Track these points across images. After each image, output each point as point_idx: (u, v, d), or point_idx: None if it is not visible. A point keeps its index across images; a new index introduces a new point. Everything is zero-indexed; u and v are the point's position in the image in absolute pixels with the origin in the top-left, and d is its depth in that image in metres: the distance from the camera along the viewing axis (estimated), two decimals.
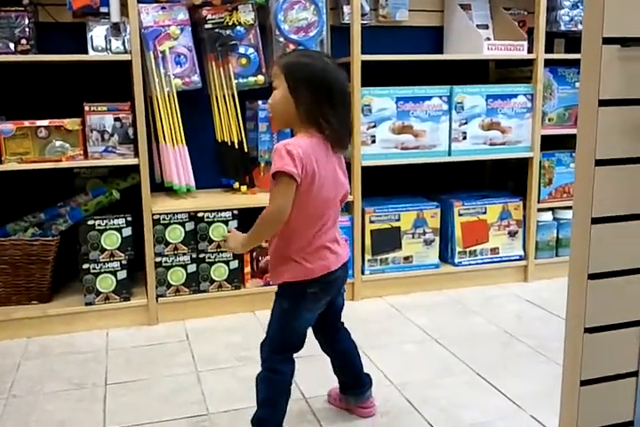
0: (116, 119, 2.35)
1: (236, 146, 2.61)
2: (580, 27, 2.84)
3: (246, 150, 2.62)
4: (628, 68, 0.80)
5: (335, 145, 1.54)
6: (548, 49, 2.80)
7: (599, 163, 0.82)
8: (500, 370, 2.04)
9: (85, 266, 2.39)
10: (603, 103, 0.80)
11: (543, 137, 2.82)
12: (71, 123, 2.30)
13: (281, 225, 1.51)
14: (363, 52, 2.53)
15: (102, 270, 2.40)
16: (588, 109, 0.82)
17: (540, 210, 2.90)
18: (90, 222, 2.38)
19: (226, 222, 2.51)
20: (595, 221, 0.85)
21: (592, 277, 0.88)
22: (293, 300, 1.56)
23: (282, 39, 2.59)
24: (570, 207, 2.88)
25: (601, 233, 0.86)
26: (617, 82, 0.80)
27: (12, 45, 2.28)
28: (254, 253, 2.57)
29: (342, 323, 1.78)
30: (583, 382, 0.93)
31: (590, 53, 0.80)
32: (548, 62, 2.76)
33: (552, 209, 2.96)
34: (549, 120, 2.86)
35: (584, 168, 0.84)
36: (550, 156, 2.90)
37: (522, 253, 2.90)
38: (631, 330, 0.92)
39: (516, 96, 2.74)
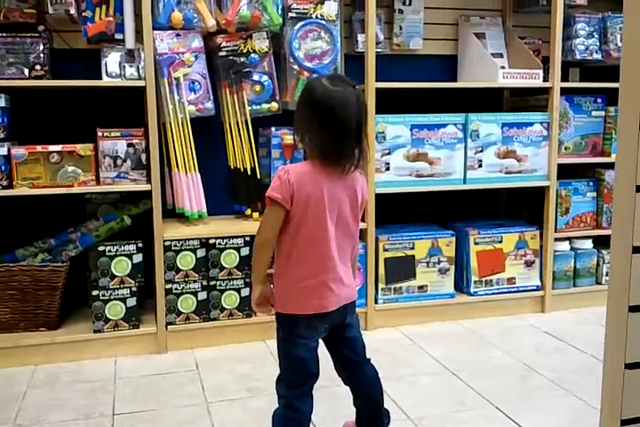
0: (129, 145, 2.34)
1: (249, 172, 2.59)
2: (595, 56, 2.85)
3: (259, 177, 2.61)
4: None
5: (331, 171, 1.48)
6: (563, 78, 2.79)
7: None
8: (518, 404, 1.98)
9: (95, 293, 2.36)
10: None
11: (560, 166, 2.79)
12: (83, 148, 2.29)
13: (269, 251, 1.50)
14: (377, 80, 2.53)
15: (112, 297, 2.37)
16: (628, 134, 0.78)
17: (556, 239, 2.86)
18: (100, 248, 2.36)
19: (237, 249, 2.47)
20: (636, 250, 0.81)
21: (633, 309, 0.83)
22: (287, 327, 1.54)
23: (296, 67, 2.59)
24: (587, 237, 2.89)
25: None
26: None
27: (26, 71, 2.30)
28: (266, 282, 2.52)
29: (368, 360, 1.70)
30: (624, 422, 0.87)
31: (630, 74, 0.77)
32: (563, 91, 2.75)
33: (569, 239, 2.92)
34: (566, 149, 2.84)
35: (624, 194, 0.81)
36: (567, 185, 2.87)
37: (539, 283, 2.85)
38: None
39: (531, 124, 2.73)
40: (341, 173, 1.48)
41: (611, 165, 2.88)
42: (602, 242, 2.93)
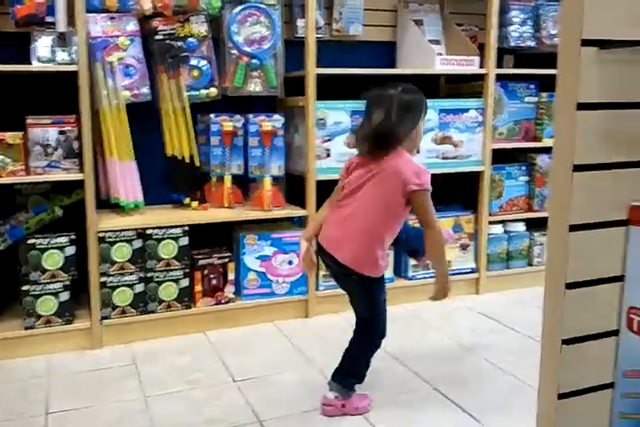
0: (61, 132, 2.26)
1: (187, 160, 2.53)
2: (528, 43, 2.90)
3: (198, 165, 2.55)
4: (607, 71, 0.79)
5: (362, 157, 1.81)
6: (498, 64, 2.85)
7: (577, 168, 0.80)
8: (457, 384, 2.03)
9: (25, 288, 2.26)
10: (581, 107, 0.78)
11: (494, 151, 2.85)
12: (12, 136, 2.20)
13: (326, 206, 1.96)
14: (317, 66, 2.51)
15: (43, 292, 2.28)
16: (566, 113, 0.79)
17: (490, 223, 2.93)
18: (30, 241, 2.26)
19: (176, 239, 2.42)
20: (572, 228, 0.83)
21: (570, 286, 0.85)
22: None
23: (235, 51, 2.54)
24: (519, 220, 2.96)
25: (579, 240, 0.84)
26: (596, 85, 0.79)
27: None
28: (205, 271, 2.49)
29: (358, 325, 1.89)
30: (560, 396, 0.89)
31: (568, 55, 0.78)
32: (498, 77, 2.80)
33: (503, 222, 2.99)
34: (500, 134, 2.90)
35: (561, 174, 0.81)
36: (500, 169, 2.94)
37: (474, 265, 2.92)
38: (607, 340, 0.90)
39: (467, 110, 2.77)
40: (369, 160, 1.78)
41: (542, 150, 2.96)
42: (533, 224, 3.02)
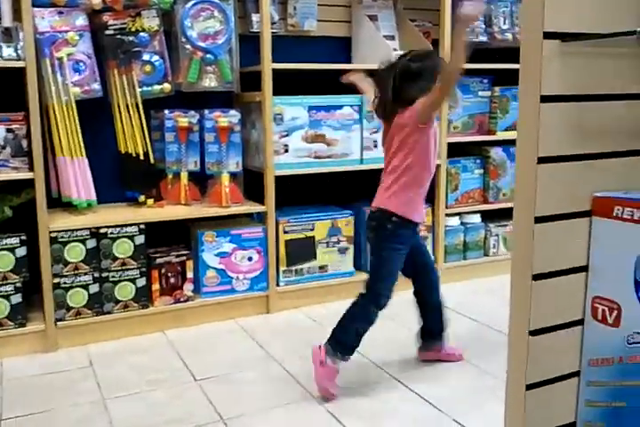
0: (9, 130, 2.20)
1: (142, 157, 2.48)
2: (480, 38, 2.94)
3: (152, 162, 2.50)
4: (570, 63, 0.80)
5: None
6: None
7: (542, 160, 0.81)
8: (418, 375, 2.05)
9: None
10: (545, 99, 0.79)
11: (449, 144, 2.88)
12: None
13: None
14: (273, 61, 2.48)
15: None
16: (530, 106, 0.80)
17: (447, 215, 2.97)
18: None
19: (131, 238, 2.37)
20: (538, 219, 0.84)
21: (536, 277, 0.86)
22: None
23: (189, 46, 2.49)
24: (475, 212, 3.01)
25: (544, 232, 0.85)
26: (559, 77, 0.80)
27: None
28: (163, 270, 2.44)
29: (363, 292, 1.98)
30: (529, 387, 0.91)
31: (531, 48, 0.78)
32: None
33: (459, 214, 3.04)
34: (455, 128, 2.93)
35: (526, 166, 0.82)
36: (456, 162, 2.98)
37: (432, 257, 2.94)
38: (573, 329, 0.91)
39: None
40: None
41: (496, 143, 3.01)
42: (489, 216, 3.08)
